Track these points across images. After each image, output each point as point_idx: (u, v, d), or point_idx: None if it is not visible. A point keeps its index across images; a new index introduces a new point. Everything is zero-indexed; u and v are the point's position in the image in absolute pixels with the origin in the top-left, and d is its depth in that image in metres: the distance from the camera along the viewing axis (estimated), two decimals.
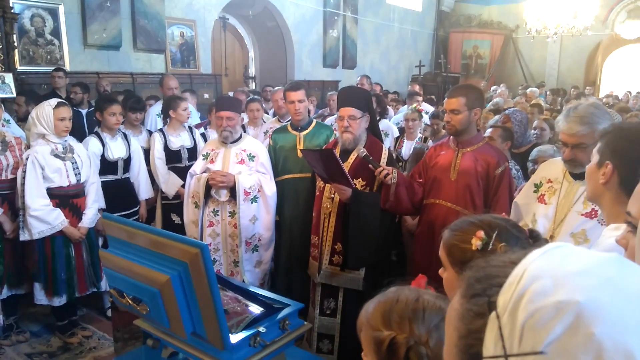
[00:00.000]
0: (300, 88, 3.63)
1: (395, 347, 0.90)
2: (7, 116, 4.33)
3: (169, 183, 4.21)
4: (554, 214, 2.20)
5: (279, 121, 4.40)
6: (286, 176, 3.68)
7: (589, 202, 2.11)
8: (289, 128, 3.76)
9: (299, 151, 3.59)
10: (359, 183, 2.89)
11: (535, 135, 4.16)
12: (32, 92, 5.76)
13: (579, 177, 2.16)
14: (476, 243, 1.22)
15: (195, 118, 5.39)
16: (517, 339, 0.50)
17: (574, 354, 0.46)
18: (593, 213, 2.10)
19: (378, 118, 3.83)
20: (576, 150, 2.07)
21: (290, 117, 4.30)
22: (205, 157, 3.57)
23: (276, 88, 4.71)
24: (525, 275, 0.53)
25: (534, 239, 1.24)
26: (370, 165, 2.78)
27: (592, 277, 0.50)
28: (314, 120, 3.87)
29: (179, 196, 4.16)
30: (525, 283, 0.52)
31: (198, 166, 3.58)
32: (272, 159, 3.72)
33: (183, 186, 4.14)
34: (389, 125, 5.17)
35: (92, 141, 3.87)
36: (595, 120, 2.02)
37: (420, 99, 6.61)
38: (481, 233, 1.22)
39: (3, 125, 4.04)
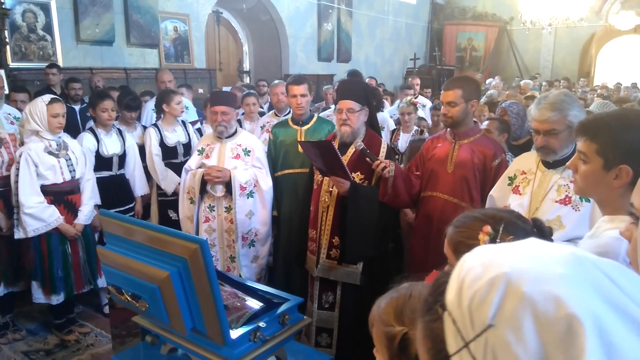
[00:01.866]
0: (303, 82, 3.61)
1: (407, 342, 0.90)
2: (17, 113, 4.27)
3: (168, 180, 4.18)
4: (528, 203, 2.25)
5: (276, 115, 4.37)
6: (286, 171, 3.66)
7: (563, 189, 2.16)
8: (290, 122, 3.74)
9: (299, 146, 3.58)
10: (357, 176, 2.87)
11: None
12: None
13: (551, 166, 2.22)
14: (484, 238, 1.21)
15: (192, 113, 5.35)
16: (469, 324, 0.55)
17: (515, 315, 0.52)
18: (567, 200, 2.15)
19: None
20: (548, 136, 2.13)
21: (287, 112, 4.28)
22: (201, 152, 3.54)
23: (276, 81, 4.65)
24: (461, 271, 0.60)
25: (537, 228, 1.24)
26: (367, 159, 2.77)
27: (512, 255, 0.58)
28: (315, 115, 3.85)
29: (176, 192, 4.15)
30: (461, 276, 0.59)
31: (193, 162, 3.56)
32: (273, 154, 3.70)
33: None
34: (384, 118, 5.16)
35: (87, 137, 3.83)
36: (565, 107, 2.08)
37: (411, 91, 6.50)
38: (488, 228, 1.22)
39: (12, 123, 4.03)
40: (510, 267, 0.55)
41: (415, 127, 4.75)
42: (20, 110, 4.18)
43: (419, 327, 0.66)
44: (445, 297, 0.60)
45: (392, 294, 1.00)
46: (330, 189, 2.92)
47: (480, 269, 0.57)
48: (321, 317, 3.02)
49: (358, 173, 2.89)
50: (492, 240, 1.20)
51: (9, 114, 4.16)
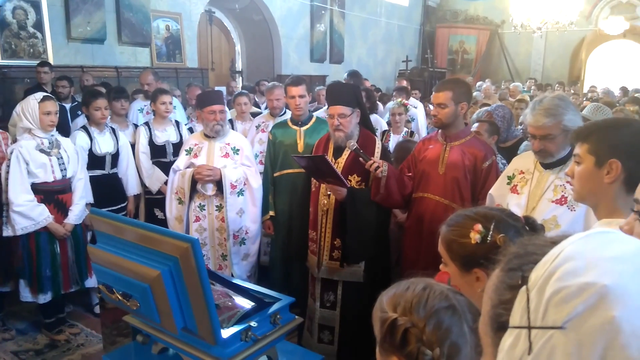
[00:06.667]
0: (301, 83, 3.64)
1: (394, 326, 0.97)
2: None
3: (153, 178, 4.18)
4: (526, 202, 2.29)
5: (271, 115, 4.38)
6: (285, 171, 3.68)
7: (559, 190, 2.20)
8: (289, 123, 3.76)
9: (299, 146, 3.61)
10: (354, 179, 2.90)
11: (522, 130, 4.21)
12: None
13: (548, 166, 2.27)
14: (475, 237, 1.23)
15: (180, 113, 5.31)
16: (541, 313, 0.53)
17: (590, 333, 0.49)
18: (563, 200, 2.20)
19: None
20: (544, 141, 2.17)
21: (282, 112, 4.31)
22: (189, 152, 3.53)
23: (269, 85, 4.64)
24: (561, 255, 0.55)
25: (529, 226, 1.26)
26: (360, 158, 2.79)
27: (626, 264, 0.51)
28: (314, 116, 3.87)
29: (161, 191, 4.15)
30: (559, 262, 0.54)
31: (181, 162, 3.54)
32: (272, 154, 3.72)
33: (166, 183, 4.12)
34: (377, 120, 5.18)
35: (80, 135, 3.82)
36: (560, 112, 2.11)
37: (403, 92, 6.55)
38: (479, 226, 1.23)
39: None
40: (613, 280, 0.49)
41: (405, 129, 4.78)
42: None
43: (494, 278, 0.63)
44: (532, 273, 0.57)
45: (396, 286, 1.05)
46: (329, 193, 2.94)
47: (580, 264, 0.52)
48: (323, 315, 3.07)
49: (355, 175, 2.91)
50: (483, 238, 1.22)
51: None
